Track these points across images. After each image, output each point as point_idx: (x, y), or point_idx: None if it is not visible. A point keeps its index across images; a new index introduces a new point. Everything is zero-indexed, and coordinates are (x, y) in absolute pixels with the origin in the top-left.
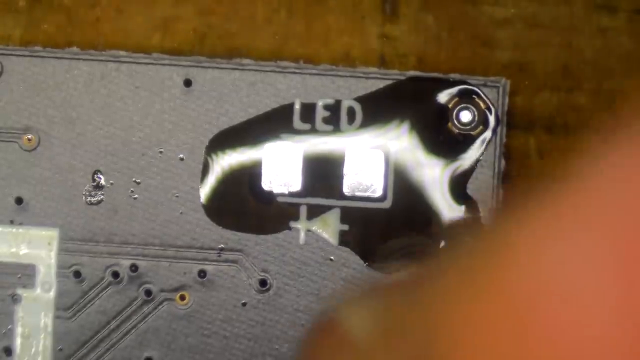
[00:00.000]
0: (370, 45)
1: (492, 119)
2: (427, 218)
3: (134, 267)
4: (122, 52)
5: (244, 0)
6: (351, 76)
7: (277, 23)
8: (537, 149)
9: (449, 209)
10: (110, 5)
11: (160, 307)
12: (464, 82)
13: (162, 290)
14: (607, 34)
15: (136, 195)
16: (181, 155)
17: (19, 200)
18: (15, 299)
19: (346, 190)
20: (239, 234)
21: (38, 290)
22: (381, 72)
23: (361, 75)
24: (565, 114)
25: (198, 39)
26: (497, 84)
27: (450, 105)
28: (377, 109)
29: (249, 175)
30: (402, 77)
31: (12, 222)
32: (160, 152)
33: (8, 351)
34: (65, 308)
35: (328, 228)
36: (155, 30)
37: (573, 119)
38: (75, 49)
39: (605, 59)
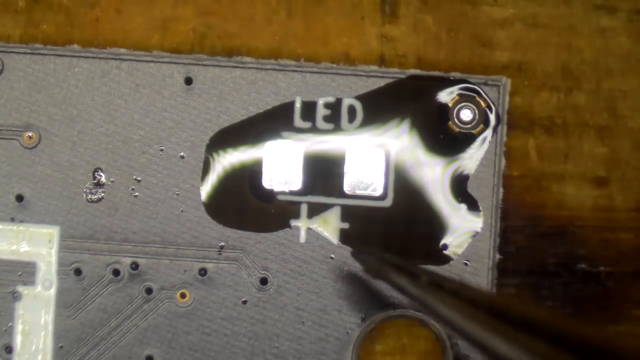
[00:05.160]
0: (369, 45)
1: (492, 118)
2: (428, 217)
3: (134, 265)
4: (122, 50)
5: (243, 0)
6: (352, 74)
7: (277, 24)
8: (536, 148)
9: (449, 208)
10: (109, 6)
11: (160, 305)
12: (465, 81)
13: (162, 288)
14: (606, 34)
15: (137, 193)
16: (182, 153)
17: (19, 198)
18: (15, 296)
19: (347, 188)
20: (240, 232)
21: (38, 288)
22: (382, 71)
23: (362, 73)
24: (564, 114)
25: (197, 40)
26: (498, 83)
27: (450, 104)
28: (377, 108)
29: (250, 173)
30: (403, 76)
31: (12, 220)
32: (161, 150)
33: (8, 349)
34: (66, 306)
35: (328, 226)
36: (154, 30)
37: (572, 119)
38: (76, 46)
39: (604, 59)
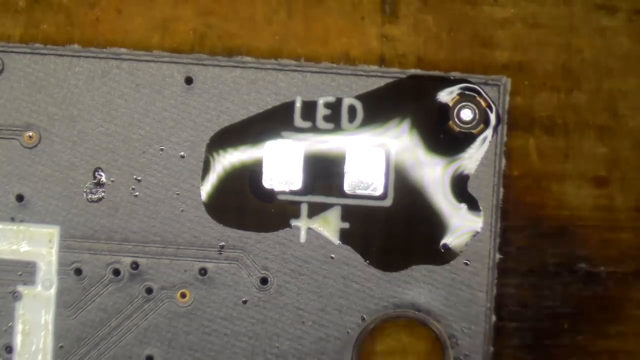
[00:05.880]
0: (369, 45)
1: (492, 117)
2: (428, 216)
3: (134, 265)
4: (123, 50)
5: (243, 0)
6: (352, 74)
7: (277, 23)
8: (536, 148)
9: (449, 208)
10: (109, 6)
11: (161, 304)
12: (465, 81)
13: (162, 288)
14: (606, 34)
15: (137, 193)
16: (182, 153)
17: (19, 198)
18: (15, 296)
19: (347, 188)
20: (240, 231)
21: (39, 288)
22: (382, 70)
23: (362, 73)
24: (565, 114)
25: (197, 39)
26: (498, 83)
27: (451, 104)
28: (377, 107)
29: (250, 173)
30: (403, 76)
31: (12, 220)
32: (161, 149)
33: (8, 348)
34: (66, 305)
35: (329, 226)
36: (154, 30)
37: (573, 119)
38: (76, 46)
39: (604, 59)
